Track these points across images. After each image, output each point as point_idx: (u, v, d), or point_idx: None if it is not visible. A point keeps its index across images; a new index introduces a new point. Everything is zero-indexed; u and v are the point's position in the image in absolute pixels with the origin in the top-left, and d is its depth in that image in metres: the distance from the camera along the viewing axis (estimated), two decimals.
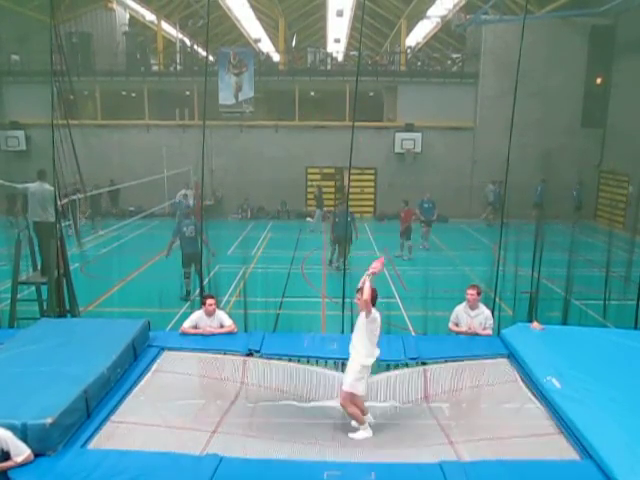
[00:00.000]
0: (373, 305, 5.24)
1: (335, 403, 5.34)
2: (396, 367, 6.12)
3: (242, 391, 5.63)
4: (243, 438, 4.72)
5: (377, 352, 5.32)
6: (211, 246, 10.49)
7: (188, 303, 10.43)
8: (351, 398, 5.20)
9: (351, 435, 5.09)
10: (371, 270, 5.28)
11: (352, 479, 4.03)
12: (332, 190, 23.68)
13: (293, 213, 23.24)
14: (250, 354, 6.35)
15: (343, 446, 4.71)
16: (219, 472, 4.04)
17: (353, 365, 5.23)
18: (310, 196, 23.22)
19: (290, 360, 6.23)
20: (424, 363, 6.21)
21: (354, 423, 5.23)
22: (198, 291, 8.37)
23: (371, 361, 5.26)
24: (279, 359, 6.20)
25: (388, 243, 16.83)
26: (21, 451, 4.08)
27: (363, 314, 5.23)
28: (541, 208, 20.40)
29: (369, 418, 5.33)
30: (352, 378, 5.19)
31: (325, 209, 21.35)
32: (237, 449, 4.49)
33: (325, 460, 4.38)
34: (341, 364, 6.06)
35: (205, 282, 8.33)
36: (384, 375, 5.91)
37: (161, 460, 4.21)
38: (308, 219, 22.50)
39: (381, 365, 6.08)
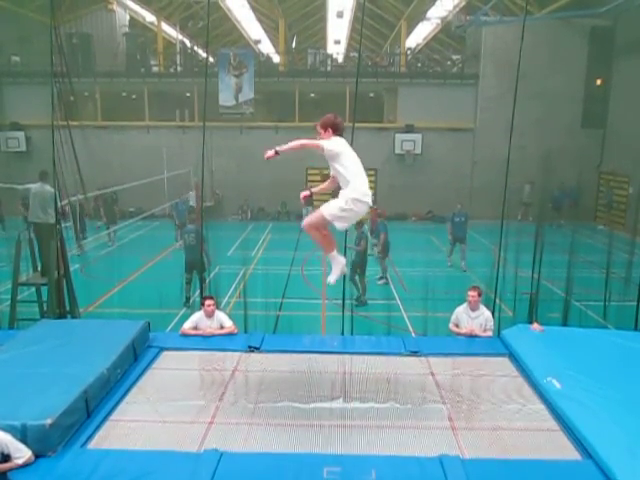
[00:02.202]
0: (336, 132, 4.74)
1: (336, 404, 5.32)
2: (396, 362, 6.15)
3: (241, 386, 5.63)
4: (243, 436, 4.72)
5: (365, 191, 4.64)
6: (210, 254, 10.49)
7: (190, 302, 10.44)
8: (321, 223, 4.70)
9: (329, 278, 4.80)
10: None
11: (352, 474, 4.05)
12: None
13: (293, 214, 23.22)
14: (250, 352, 6.37)
15: (344, 440, 4.70)
16: (220, 468, 4.06)
17: (344, 192, 4.66)
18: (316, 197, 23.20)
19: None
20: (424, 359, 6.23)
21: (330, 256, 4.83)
22: (198, 292, 8.38)
23: (357, 194, 4.58)
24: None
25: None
26: (22, 453, 4.08)
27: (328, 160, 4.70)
28: (573, 209, 20.68)
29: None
30: (334, 204, 4.64)
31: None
32: (237, 443, 4.51)
33: (326, 453, 4.39)
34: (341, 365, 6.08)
35: (205, 285, 8.34)
36: (384, 372, 5.91)
37: (161, 459, 4.21)
38: None
39: (381, 360, 6.12)
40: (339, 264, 4.93)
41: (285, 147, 4.60)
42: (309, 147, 4.62)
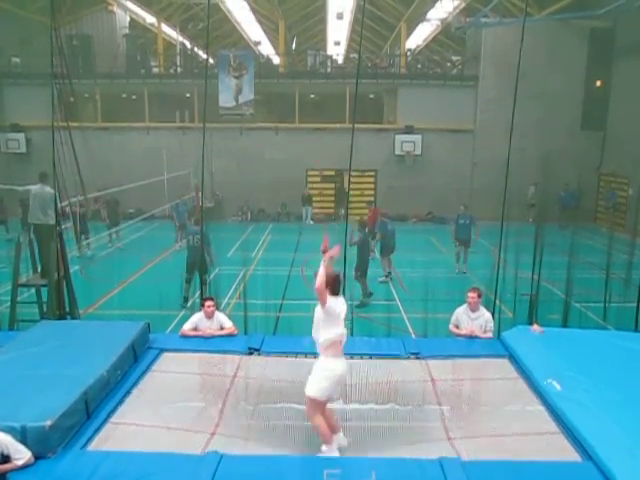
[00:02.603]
0: (333, 292, 4.80)
1: (336, 405, 5.32)
2: (396, 364, 6.15)
3: (241, 388, 5.63)
4: (243, 438, 4.72)
5: (340, 332, 4.80)
6: (212, 255, 10.49)
7: (189, 304, 10.42)
8: (316, 406, 4.68)
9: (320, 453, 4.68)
10: (328, 255, 4.88)
11: (352, 476, 4.05)
12: (332, 192, 23.81)
13: (293, 215, 23.24)
14: (250, 353, 6.37)
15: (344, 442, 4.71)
16: (220, 471, 4.05)
17: (317, 364, 4.80)
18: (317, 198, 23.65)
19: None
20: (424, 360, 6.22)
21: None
22: (198, 293, 8.37)
23: (332, 365, 4.75)
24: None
25: None
26: (22, 454, 4.07)
27: (319, 306, 4.76)
28: (577, 211, 20.86)
29: (341, 438, 4.77)
30: (314, 378, 4.71)
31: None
32: (237, 445, 4.51)
33: (326, 455, 4.39)
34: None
35: (205, 286, 8.33)
36: (384, 374, 5.91)
37: (161, 461, 4.21)
38: (310, 221, 22.57)
39: (381, 362, 6.10)
40: (332, 453, 4.71)
41: (320, 272, 4.70)
42: (320, 290, 4.67)
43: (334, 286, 4.85)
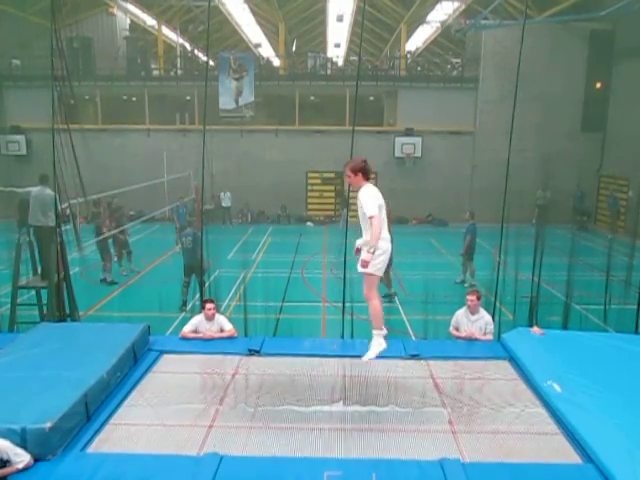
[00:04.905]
0: (364, 175, 5.02)
1: (336, 407, 5.31)
2: (396, 366, 6.14)
3: (241, 389, 5.62)
4: (243, 440, 4.71)
5: (387, 236, 5.01)
6: (208, 258, 10.46)
7: (188, 307, 10.42)
8: (373, 283, 4.98)
9: (364, 357, 5.11)
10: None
11: (353, 478, 4.04)
12: (332, 195, 23.85)
13: (293, 217, 23.26)
14: (250, 354, 6.36)
15: (344, 443, 4.69)
16: (220, 472, 4.05)
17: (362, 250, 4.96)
18: (311, 200, 23.62)
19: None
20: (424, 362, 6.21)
21: (374, 329, 5.04)
22: (198, 296, 8.37)
23: (382, 244, 4.92)
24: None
25: None
26: (21, 458, 4.07)
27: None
28: (587, 214, 21.22)
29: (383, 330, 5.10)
30: (366, 258, 4.86)
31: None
32: (237, 447, 4.51)
33: (326, 457, 4.38)
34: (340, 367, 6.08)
35: (205, 288, 8.33)
36: (384, 376, 5.90)
37: (161, 463, 4.21)
38: (308, 223, 22.57)
39: (381, 364, 6.11)
40: (380, 346, 5.11)
41: (373, 241, 4.84)
42: (377, 225, 4.84)
43: (366, 170, 5.04)
